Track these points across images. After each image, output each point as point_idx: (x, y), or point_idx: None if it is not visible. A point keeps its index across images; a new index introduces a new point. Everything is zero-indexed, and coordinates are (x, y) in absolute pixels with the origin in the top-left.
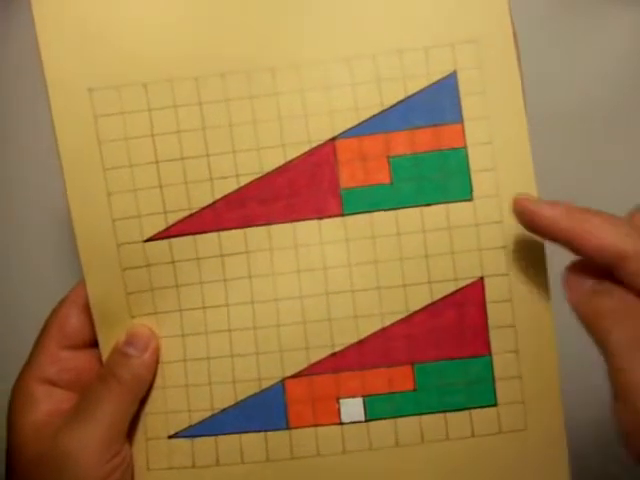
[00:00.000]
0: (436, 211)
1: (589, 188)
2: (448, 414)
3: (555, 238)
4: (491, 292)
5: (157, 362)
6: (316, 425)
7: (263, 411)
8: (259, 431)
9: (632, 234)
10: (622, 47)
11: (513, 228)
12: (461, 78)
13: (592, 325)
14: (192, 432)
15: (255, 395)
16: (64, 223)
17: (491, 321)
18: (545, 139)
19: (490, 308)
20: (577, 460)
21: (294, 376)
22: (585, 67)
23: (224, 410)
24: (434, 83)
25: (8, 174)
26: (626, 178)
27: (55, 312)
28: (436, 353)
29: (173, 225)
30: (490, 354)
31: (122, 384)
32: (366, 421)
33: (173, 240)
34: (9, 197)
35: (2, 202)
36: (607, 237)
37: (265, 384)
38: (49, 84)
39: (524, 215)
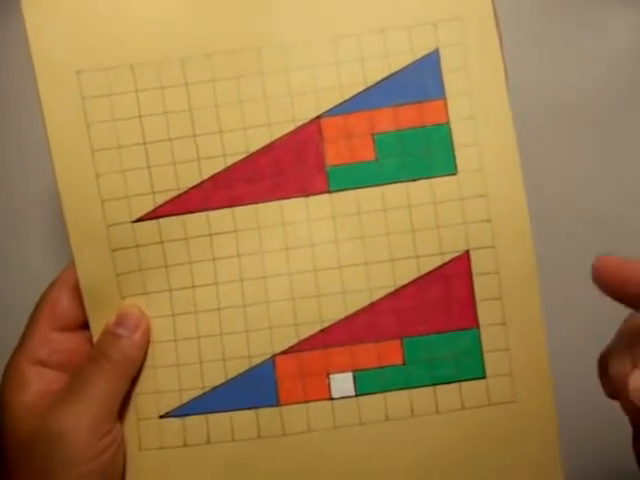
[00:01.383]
0: (421, 186)
1: (588, 188)
2: (437, 387)
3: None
4: (477, 265)
5: (148, 342)
6: (307, 401)
7: (254, 388)
8: (250, 408)
9: None
10: (621, 47)
11: (497, 201)
12: (443, 55)
13: None
14: (183, 411)
15: (245, 372)
16: (53, 204)
17: (478, 294)
18: (543, 139)
19: (477, 281)
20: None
21: (284, 352)
22: (584, 67)
23: (215, 388)
24: (417, 60)
25: (3, 159)
26: (625, 178)
27: (46, 294)
28: (424, 327)
29: (161, 205)
30: (478, 327)
31: (113, 364)
32: (356, 396)
33: (162, 220)
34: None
35: None
36: None
37: (255, 361)
38: (37, 67)
39: (609, 283)
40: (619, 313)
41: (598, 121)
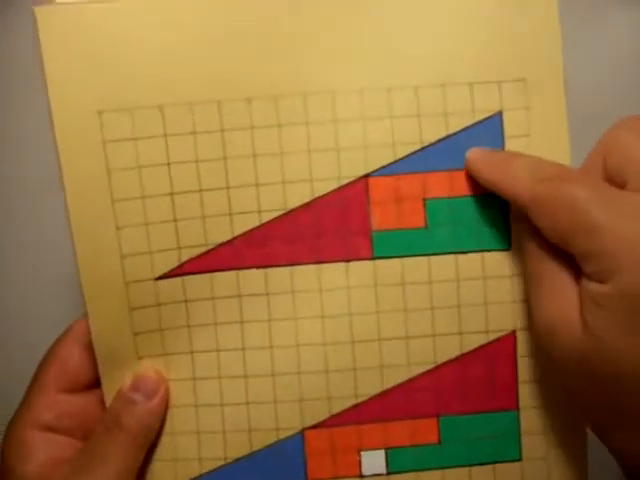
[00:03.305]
0: (471, 259)
1: None
2: (472, 468)
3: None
4: (523, 346)
5: (166, 409)
6: (336, 478)
7: (280, 462)
8: None
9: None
10: (622, 48)
11: None
12: (507, 119)
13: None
14: None
15: (272, 445)
16: (64, 253)
17: (521, 375)
18: None
19: (520, 362)
20: None
21: (314, 427)
22: (584, 68)
23: (238, 460)
24: (478, 122)
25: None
26: None
27: (54, 350)
28: (463, 406)
29: (187, 262)
30: (518, 409)
31: (128, 433)
32: (387, 474)
33: (187, 278)
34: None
35: None
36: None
37: (283, 434)
38: (53, 105)
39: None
40: None
41: (601, 122)
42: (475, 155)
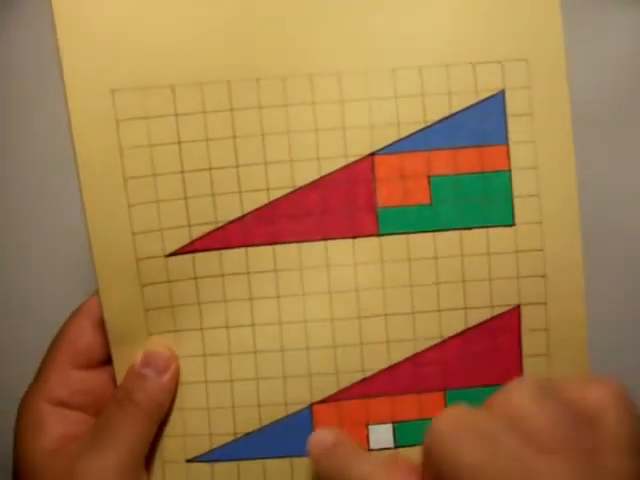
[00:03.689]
0: (476, 235)
1: (591, 190)
2: None
3: None
4: (527, 321)
5: (177, 385)
6: None
7: (289, 436)
8: (284, 457)
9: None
10: (622, 48)
11: (554, 257)
12: (509, 97)
13: None
14: (213, 456)
15: (281, 420)
16: (64, 252)
17: (526, 349)
18: None
19: (525, 337)
20: None
21: (323, 401)
22: (584, 68)
23: (248, 434)
24: (481, 101)
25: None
26: (625, 179)
27: (67, 327)
28: (469, 380)
29: (198, 239)
30: None
31: (139, 409)
32: (395, 447)
33: (197, 255)
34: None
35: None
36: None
37: (292, 409)
38: (67, 84)
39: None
40: None
41: (601, 122)
42: (317, 451)
